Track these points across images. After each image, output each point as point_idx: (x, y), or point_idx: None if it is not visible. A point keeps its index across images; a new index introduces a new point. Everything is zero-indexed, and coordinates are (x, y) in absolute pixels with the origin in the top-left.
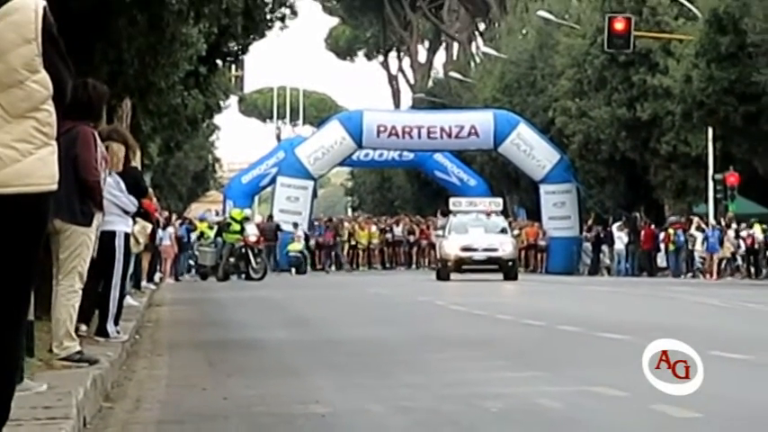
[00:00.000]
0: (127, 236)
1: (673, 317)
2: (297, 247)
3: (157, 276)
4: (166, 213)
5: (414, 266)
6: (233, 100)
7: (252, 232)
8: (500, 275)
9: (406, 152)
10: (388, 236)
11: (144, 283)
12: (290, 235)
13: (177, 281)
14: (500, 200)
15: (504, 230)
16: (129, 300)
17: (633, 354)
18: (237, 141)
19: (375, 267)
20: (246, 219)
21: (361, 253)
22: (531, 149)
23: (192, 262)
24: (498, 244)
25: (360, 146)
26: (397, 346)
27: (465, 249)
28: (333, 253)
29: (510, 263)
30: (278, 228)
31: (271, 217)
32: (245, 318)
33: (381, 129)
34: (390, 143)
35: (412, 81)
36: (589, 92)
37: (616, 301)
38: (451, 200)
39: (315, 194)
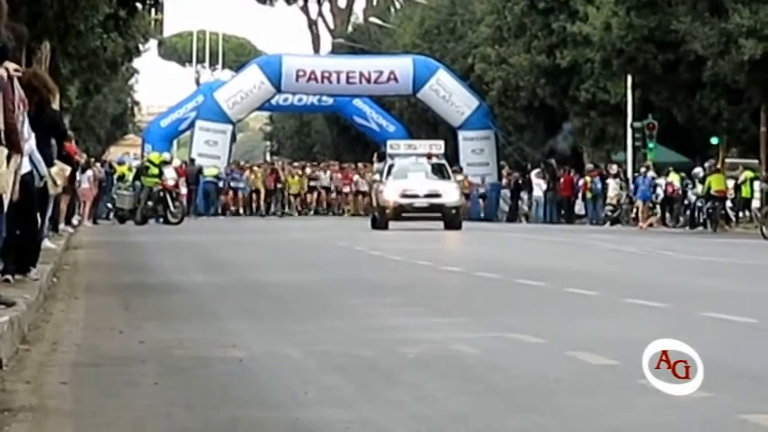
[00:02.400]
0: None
1: (590, 264)
2: (213, 171)
3: (76, 219)
4: (85, 156)
5: (332, 213)
6: (152, 43)
7: (170, 176)
8: (441, 224)
9: (326, 97)
10: (314, 183)
11: (62, 226)
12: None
13: (95, 224)
14: (441, 143)
15: (447, 175)
16: (46, 243)
17: (551, 301)
18: (157, 85)
19: (304, 213)
20: (165, 162)
21: (292, 199)
22: (450, 95)
23: (110, 206)
24: (441, 190)
25: (279, 90)
26: (315, 291)
27: (405, 196)
28: (275, 197)
29: (453, 210)
30: (200, 171)
31: (192, 160)
32: (163, 261)
33: (300, 73)
34: (309, 88)
35: (332, 26)
36: (509, 39)
37: (534, 248)
38: (389, 142)
39: (233, 139)
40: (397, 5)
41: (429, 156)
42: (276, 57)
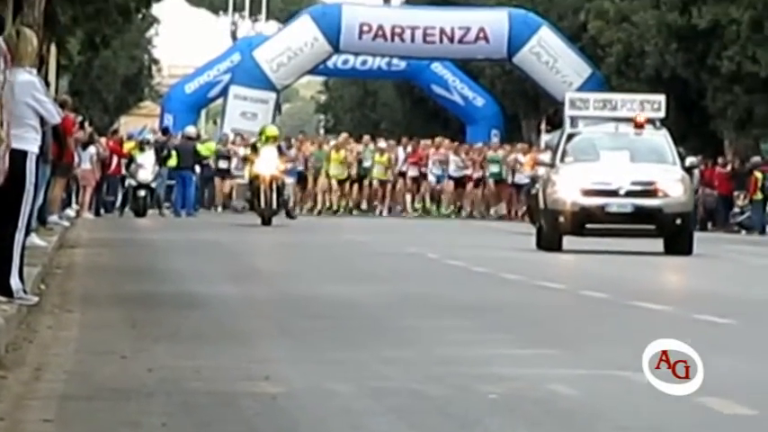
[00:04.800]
0: (38, 158)
1: (727, 284)
2: (211, 147)
3: (72, 210)
4: (89, 129)
5: (383, 210)
6: None
7: (270, 158)
8: (658, 242)
9: (396, 60)
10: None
11: (54, 217)
12: None
13: (98, 216)
14: (661, 99)
15: (668, 158)
16: (33, 239)
17: (674, 330)
18: (181, 39)
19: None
20: (269, 138)
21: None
22: (556, 61)
23: (113, 197)
24: (658, 183)
25: (337, 49)
26: (373, 309)
27: (594, 192)
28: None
29: (677, 219)
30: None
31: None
32: (180, 267)
33: (365, 28)
34: (376, 47)
35: None
36: None
37: (657, 262)
38: (568, 97)
39: (278, 110)
40: None
41: (639, 123)
42: (334, 6)
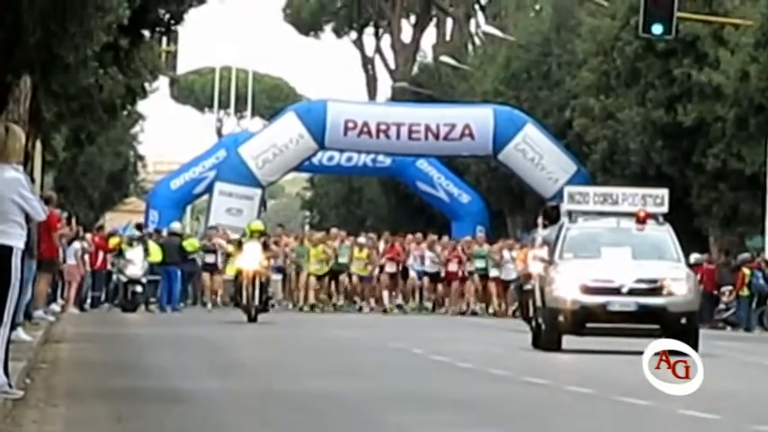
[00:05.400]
0: (24, 254)
1: (715, 380)
2: (195, 245)
3: (58, 305)
4: (74, 226)
5: (364, 306)
6: (163, 82)
7: (254, 254)
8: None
9: (382, 156)
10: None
11: (39, 312)
12: None
13: (82, 311)
14: (664, 193)
15: (672, 254)
16: (19, 333)
17: (658, 424)
18: (167, 136)
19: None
20: (257, 233)
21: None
22: (541, 158)
23: (99, 292)
24: (662, 280)
25: (322, 146)
26: (359, 404)
27: (594, 291)
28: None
29: (683, 319)
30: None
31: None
32: (165, 362)
33: (350, 125)
34: (361, 144)
35: (392, 66)
36: (617, 88)
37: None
38: (567, 191)
39: (263, 207)
40: (477, 42)
41: (641, 217)
42: (319, 103)
